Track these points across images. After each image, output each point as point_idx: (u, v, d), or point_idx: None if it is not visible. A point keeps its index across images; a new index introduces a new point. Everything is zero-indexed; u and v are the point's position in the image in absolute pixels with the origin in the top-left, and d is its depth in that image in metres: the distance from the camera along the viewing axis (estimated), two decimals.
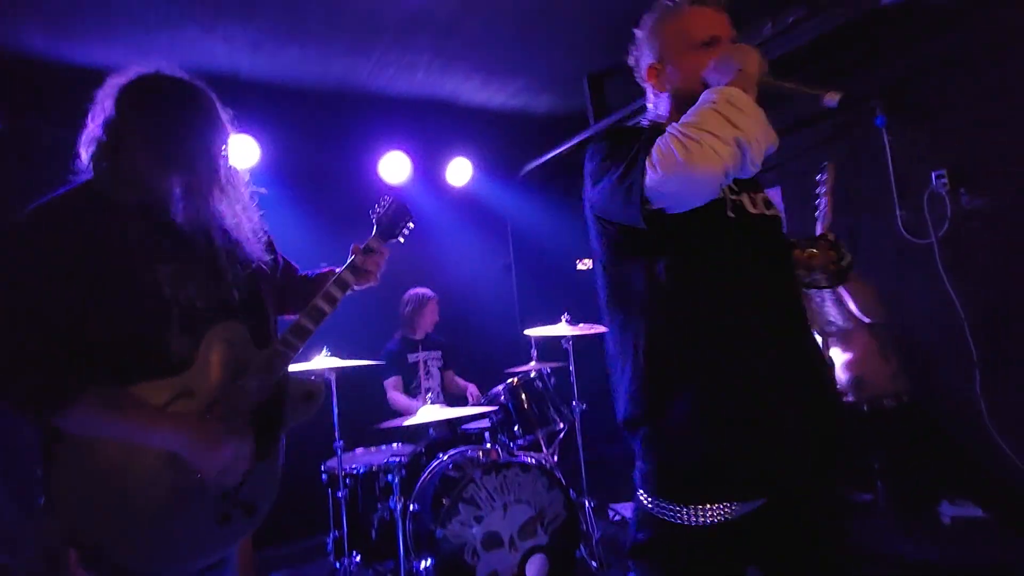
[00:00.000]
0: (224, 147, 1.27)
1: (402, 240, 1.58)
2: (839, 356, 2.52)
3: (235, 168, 1.31)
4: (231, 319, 1.25)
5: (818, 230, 2.30)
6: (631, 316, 1.14)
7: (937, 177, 2.75)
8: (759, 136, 0.98)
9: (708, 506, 1.03)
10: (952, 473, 2.41)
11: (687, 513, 1.04)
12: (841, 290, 2.40)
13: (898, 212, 2.91)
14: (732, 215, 1.13)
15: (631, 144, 1.07)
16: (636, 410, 1.11)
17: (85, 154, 1.21)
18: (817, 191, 2.36)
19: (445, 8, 3.01)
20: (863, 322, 2.47)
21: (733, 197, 1.16)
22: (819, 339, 2.42)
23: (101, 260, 1.11)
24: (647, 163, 1.00)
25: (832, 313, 2.48)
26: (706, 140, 0.95)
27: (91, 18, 2.78)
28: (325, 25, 3.06)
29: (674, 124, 1.01)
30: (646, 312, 1.12)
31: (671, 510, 1.06)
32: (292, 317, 1.43)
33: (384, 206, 1.55)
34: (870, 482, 2.74)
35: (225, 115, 1.29)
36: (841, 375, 2.51)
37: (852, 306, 2.41)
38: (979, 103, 2.64)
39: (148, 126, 1.19)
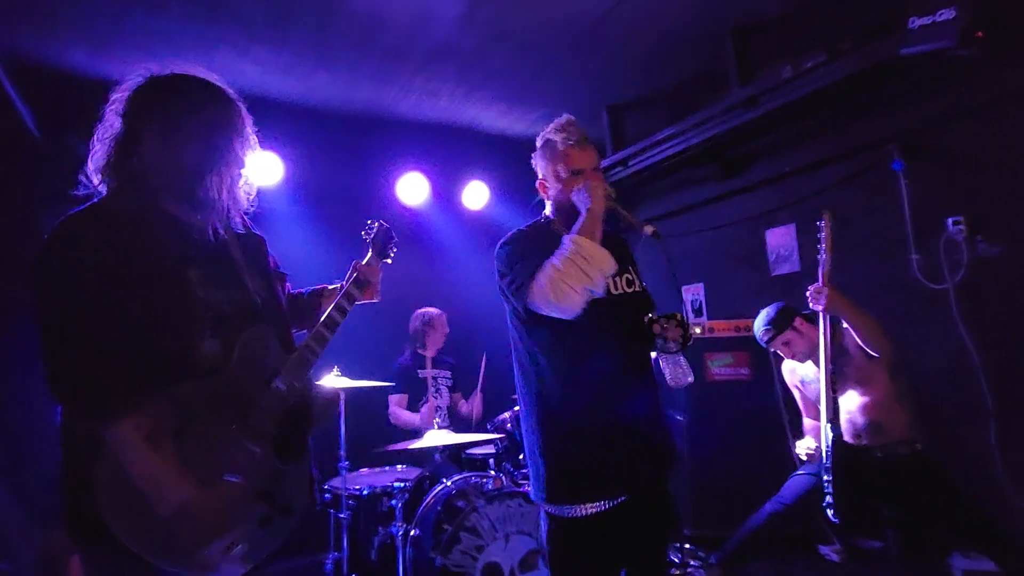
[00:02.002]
0: (240, 139, 1.28)
1: (390, 261, 1.71)
2: (856, 399, 2.49)
3: (242, 160, 1.31)
4: (260, 323, 1.27)
5: (819, 278, 2.34)
6: (527, 368, 1.63)
7: (954, 223, 2.74)
8: (604, 274, 1.47)
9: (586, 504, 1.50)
10: (965, 525, 2.35)
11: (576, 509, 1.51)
12: (844, 324, 2.39)
13: (913, 256, 2.89)
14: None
15: (523, 258, 1.57)
16: (535, 436, 1.58)
17: (96, 172, 1.22)
18: (818, 236, 2.38)
19: (471, 39, 3.10)
20: (884, 366, 2.44)
21: None
22: (822, 375, 2.37)
23: (134, 265, 1.13)
24: (530, 291, 1.49)
25: (853, 353, 2.46)
26: (567, 290, 1.44)
27: (131, 38, 2.89)
28: (354, 52, 3.16)
29: (552, 263, 1.48)
30: (536, 365, 1.60)
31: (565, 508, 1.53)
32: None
33: (374, 230, 1.69)
34: (880, 530, 2.68)
35: (240, 103, 1.30)
36: (858, 418, 2.48)
37: (857, 339, 2.39)
38: (997, 152, 2.64)
39: (163, 126, 1.20)
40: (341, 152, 3.99)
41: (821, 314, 2.37)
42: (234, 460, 1.18)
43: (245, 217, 1.40)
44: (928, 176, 2.87)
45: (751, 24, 3.15)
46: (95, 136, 1.24)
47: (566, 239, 1.50)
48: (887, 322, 2.44)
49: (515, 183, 4.66)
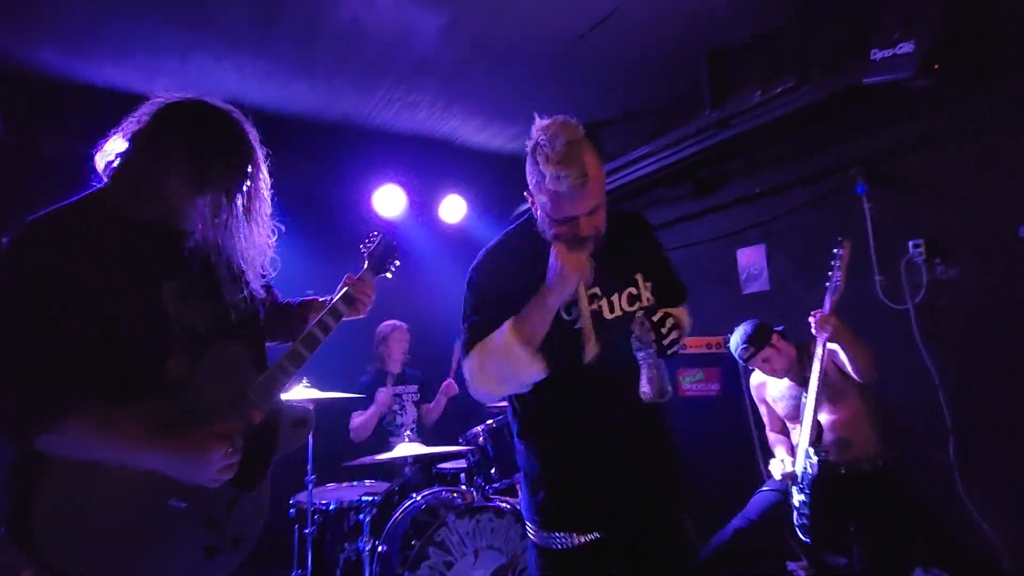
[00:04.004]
0: (254, 179, 1.27)
1: (389, 276, 1.62)
2: (826, 416, 2.54)
3: (263, 202, 1.31)
4: (229, 341, 1.24)
5: (826, 301, 2.37)
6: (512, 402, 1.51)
7: (914, 246, 2.84)
8: (522, 377, 1.33)
9: (556, 533, 1.37)
10: (925, 541, 2.41)
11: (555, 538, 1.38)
12: (839, 349, 2.43)
13: (876, 277, 2.99)
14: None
15: (475, 310, 1.40)
16: (521, 460, 1.49)
17: (103, 164, 1.20)
18: (832, 263, 2.42)
19: (451, 54, 3.13)
20: (856, 385, 2.50)
21: (593, 307, 1.38)
22: (811, 400, 2.43)
23: (105, 275, 1.09)
24: (464, 366, 1.39)
25: (830, 371, 2.51)
26: (485, 388, 1.36)
27: (107, 40, 2.85)
28: (334, 61, 3.16)
29: (482, 354, 1.34)
30: (519, 399, 1.48)
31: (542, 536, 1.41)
32: (272, 344, 1.43)
33: (374, 241, 1.60)
34: (845, 545, 2.72)
35: (261, 150, 1.30)
36: (827, 435, 2.53)
37: (848, 366, 2.44)
38: (954, 179, 2.76)
39: (183, 145, 1.18)
40: (317, 162, 3.96)
41: (820, 342, 2.40)
42: (184, 483, 1.12)
43: (264, 252, 1.37)
44: (890, 200, 2.98)
45: (725, 49, 3.25)
46: (112, 136, 1.22)
47: (503, 329, 1.31)
48: None
49: (493, 198, 4.69)
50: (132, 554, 1.08)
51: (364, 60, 3.15)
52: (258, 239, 1.29)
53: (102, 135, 1.24)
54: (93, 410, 1.04)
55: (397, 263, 1.63)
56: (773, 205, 3.56)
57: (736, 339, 2.75)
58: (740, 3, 2.77)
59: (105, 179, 1.20)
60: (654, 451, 1.44)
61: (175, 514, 1.13)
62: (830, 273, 2.42)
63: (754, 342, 2.67)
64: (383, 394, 3.37)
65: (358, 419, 3.42)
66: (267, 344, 1.46)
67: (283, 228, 1.41)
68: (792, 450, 2.63)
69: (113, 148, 1.20)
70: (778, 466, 2.63)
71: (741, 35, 3.11)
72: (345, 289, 1.48)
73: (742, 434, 3.33)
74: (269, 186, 1.33)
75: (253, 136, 1.28)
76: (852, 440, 2.50)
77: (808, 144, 3.33)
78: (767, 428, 2.88)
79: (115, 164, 1.19)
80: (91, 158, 1.22)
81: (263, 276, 1.34)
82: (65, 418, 1.01)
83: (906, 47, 2.37)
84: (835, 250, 2.44)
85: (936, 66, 2.34)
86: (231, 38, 2.88)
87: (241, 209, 1.25)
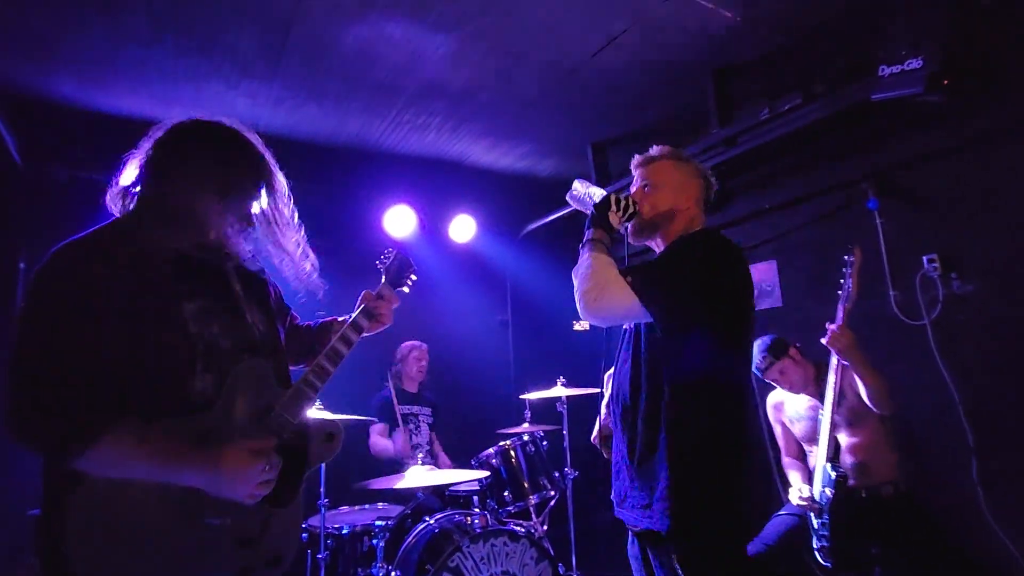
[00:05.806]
0: (264, 188, 1.29)
1: (407, 290, 1.64)
2: (845, 439, 2.50)
3: (283, 210, 1.33)
4: (256, 357, 1.24)
5: (838, 310, 2.35)
6: None
7: (928, 261, 2.81)
8: None
9: None
10: (950, 562, 2.34)
11: None
12: (855, 376, 2.39)
13: (891, 292, 2.95)
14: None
15: None
16: None
17: (115, 196, 1.23)
18: (844, 271, 2.40)
19: (460, 77, 3.17)
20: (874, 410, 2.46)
21: None
22: (826, 415, 2.39)
23: (127, 298, 1.11)
24: None
25: (848, 394, 2.47)
26: None
27: (123, 70, 2.91)
28: (345, 86, 3.21)
29: None
30: None
31: None
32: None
33: (389, 257, 1.63)
34: (867, 568, 2.65)
35: (270, 158, 1.31)
36: (846, 458, 2.48)
37: (863, 393, 2.40)
38: (967, 193, 2.74)
39: (191, 161, 1.21)
40: (328, 184, 4.01)
41: (837, 357, 2.37)
42: (219, 501, 1.12)
43: (301, 263, 1.41)
44: (903, 214, 2.96)
45: (731, 67, 3.27)
46: (121, 168, 1.25)
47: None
48: (869, 356, 2.47)
49: (502, 217, 4.71)
50: (167, 575, 1.07)
51: (374, 84, 3.20)
52: (288, 243, 1.32)
53: (118, 163, 1.27)
54: (130, 427, 1.06)
55: (414, 277, 1.65)
56: (783, 221, 3.55)
57: (754, 350, 2.72)
58: (745, 21, 2.80)
59: (119, 210, 1.22)
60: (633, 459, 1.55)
61: (210, 533, 1.12)
62: (842, 281, 2.39)
63: (773, 352, 2.65)
64: (400, 440, 3.30)
65: (380, 442, 3.40)
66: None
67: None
68: (808, 476, 2.59)
69: (127, 180, 1.22)
70: (796, 495, 2.57)
71: (747, 53, 3.13)
72: (364, 305, 1.50)
73: (759, 456, 3.27)
74: (287, 190, 1.35)
75: (257, 142, 1.30)
76: (871, 464, 2.45)
77: (817, 159, 3.32)
78: (782, 453, 2.83)
79: (134, 194, 1.21)
80: (107, 188, 1.25)
81: (301, 282, 1.37)
82: (104, 435, 1.02)
83: (914, 63, 2.37)
84: (846, 256, 2.42)
85: (946, 82, 2.34)
86: (243, 65, 2.94)
87: (266, 214, 1.28)
